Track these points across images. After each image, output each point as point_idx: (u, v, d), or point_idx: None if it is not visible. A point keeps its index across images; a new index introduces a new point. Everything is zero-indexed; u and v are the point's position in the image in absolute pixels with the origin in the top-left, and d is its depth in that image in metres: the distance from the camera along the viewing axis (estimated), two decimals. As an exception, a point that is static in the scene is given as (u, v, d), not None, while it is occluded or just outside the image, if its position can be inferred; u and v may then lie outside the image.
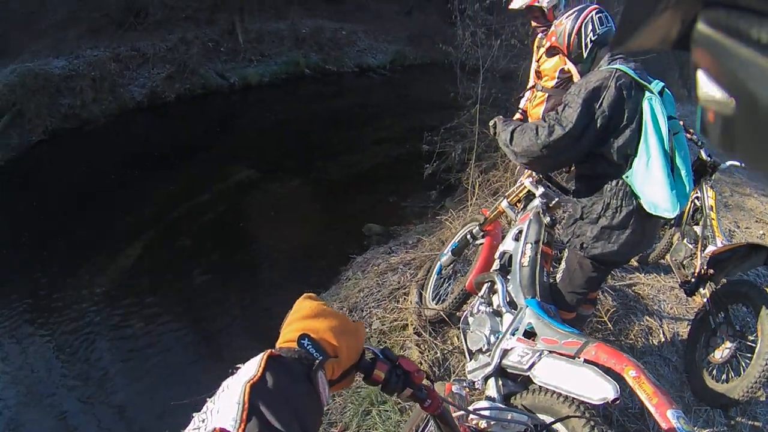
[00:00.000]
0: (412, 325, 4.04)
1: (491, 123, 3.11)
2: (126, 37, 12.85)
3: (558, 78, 4.46)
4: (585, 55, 2.77)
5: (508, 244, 3.18)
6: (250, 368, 0.82)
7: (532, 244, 2.96)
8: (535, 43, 4.72)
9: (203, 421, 0.77)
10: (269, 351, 0.88)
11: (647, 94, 2.57)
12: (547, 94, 4.59)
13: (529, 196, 3.37)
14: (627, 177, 2.61)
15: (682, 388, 3.78)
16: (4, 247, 6.96)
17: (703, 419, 3.54)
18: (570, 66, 2.91)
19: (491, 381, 2.56)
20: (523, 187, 3.39)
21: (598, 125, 2.53)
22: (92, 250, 6.75)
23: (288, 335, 0.98)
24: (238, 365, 0.86)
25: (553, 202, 3.10)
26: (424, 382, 1.31)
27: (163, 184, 8.46)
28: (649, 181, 2.56)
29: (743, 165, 4.52)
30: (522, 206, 3.46)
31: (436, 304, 4.07)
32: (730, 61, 0.37)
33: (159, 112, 11.99)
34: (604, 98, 2.50)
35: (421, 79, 14.83)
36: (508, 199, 3.52)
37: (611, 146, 2.59)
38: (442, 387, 2.54)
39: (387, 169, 9.20)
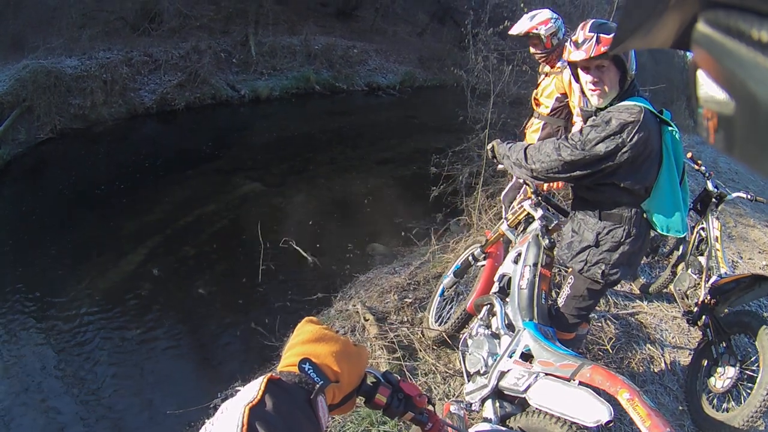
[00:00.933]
0: (414, 345, 4.03)
1: (489, 147, 3.14)
2: (139, 41, 12.99)
3: (553, 105, 4.52)
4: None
5: (507, 267, 3.19)
6: (250, 391, 0.82)
7: (530, 266, 2.97)
8: (540, 69, 4.77)
9: None
10: (269, 374, 0.88)
11: (667, 128, 2.62)
12: (543, 122, 4.65)
13: (529, 219, 3.41)
14: (644, 204, 2.68)
15: (682, 417, 3.78)
16: (6, 244, 6.95)
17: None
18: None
19: (488, 403, 2.56)
20: (522, 209, 3.43)
21: (624, 158, 2.53)
22: (94, 253, 6.73)
23: (289, 359, 0.98)
24: (237, 387, 0.86)
25: (553, 224, 3.13)
26: (427, 406, 1.31)
27: (168, 191, 8.45)
28: (667, 208, 2.65)
29: (749, 196, 4.53)
30: (522, 228, 3.49)
31: (438, 325, 4.07)
32: (730, 61, 0.37)
33: (167, 118, 12.07)
34: (635, 133, 2.50)
35: (430, 101, 14.91)
36: (508, 222, 3.56)
37: (636, 181, 2.62)
38: (441, 407, 2.53)
39: (393, 189, 9.20)
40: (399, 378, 1.28)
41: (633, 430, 3.36)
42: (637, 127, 2.49)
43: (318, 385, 0.92)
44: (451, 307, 4.20)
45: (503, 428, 2.25)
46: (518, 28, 4.43)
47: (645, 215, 2.71)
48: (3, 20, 11.77)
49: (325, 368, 0.98)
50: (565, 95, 4.44)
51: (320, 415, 0.90)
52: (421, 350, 3.97)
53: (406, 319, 4.45)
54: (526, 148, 2.82)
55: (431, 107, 14.04)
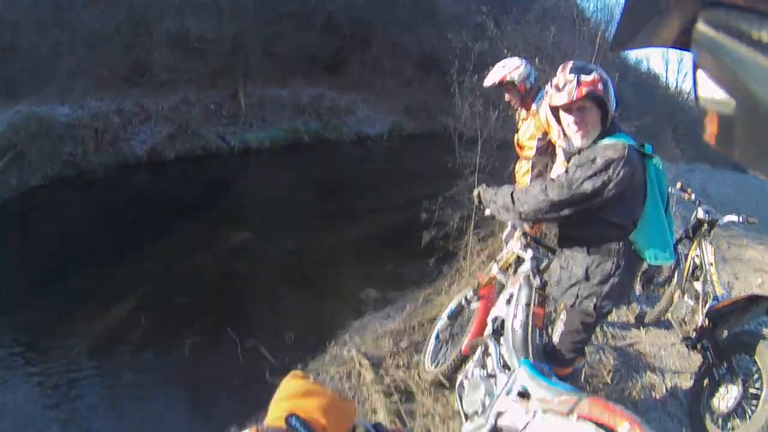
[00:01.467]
0: (411, 389, 3.99)
1: (474, 194, 3.16)
2: (131, 92, 13.13)
3: (536, 146, 4.60)
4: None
5: (499, 309, 3.19)
6: None
7: (523, 306, 2.97)
8: (517, 116, 4.87)
9: None
10: (254, 428, 0.88)
11: (650, 161, 2.68)
12: (531, 162, 4.73)
13: (519, 261, 3.41)
14: (631, 236, 2.70)
15: (687, 441, 3.74)
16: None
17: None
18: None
19: None
20: (512, 252, 3.45)
21: (611, 195, 2.56)
22: (84, 301, 6.64)
23: (275, 413, 0.98)
24: None
25: (543, 264, 3.14)
26: None
27: (158, 241, 8.42)
28: (654, 237, 2.69)
29: (741, 220, 4.57)
30: (513, 270, 3.50)
31: (434, 368, 4.04)
32: (730, 61, 0.38)
33: (158, 169, 12.09)
34: (620, 170, 2.52)
35: (418, 149, 15.05)
36: (499, 265, 3.58)
37: (623, 216, 2.66)
38: None
39: (384, 236, 9.23)
40: (390, 429, 1.26)
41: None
42: (621, 163, 2.52)
43: None
44: (447, 350, 4.18)
45: None
46: (491, 79, 4.56)
47: (633, 246, 2.72)
48: (-3, 66, 11.87)
49: (312, 422, 0.97)
50: (545, 133, 4.51)
51: None
52: (418, 393, 3.93)
53: (402, 363, 4.40)
54: (512, 192, 2.84)
55: (420, 155, 14.15)
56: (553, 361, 2.86)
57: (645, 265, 2.93)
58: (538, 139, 4.58)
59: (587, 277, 2.80)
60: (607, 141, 2.66)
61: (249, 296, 6.81)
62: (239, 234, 8.89)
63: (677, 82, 25.65)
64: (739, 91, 0.38)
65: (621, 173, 2.52)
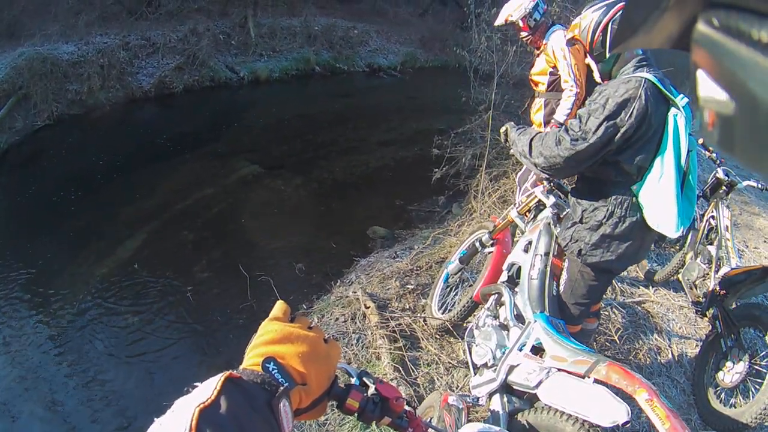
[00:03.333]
0: (417, 334, 3.93)
1: (502, 130, 3.05)
2: (137, 25, 12.84)
3: (547, 81, 4.64)
4: (608, 54, 2.64)
5: (516, 256, 3.10)
6: (205, 390, 0.73)
7: (541, 256, 2.89)
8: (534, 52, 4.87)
9: None
10: (228, 372, 0.79)
11: (673, 108, 2.49)
12: (543, 100, 4.72)
13: (539, 206, 3.31)
14: (635, 188, 2.56)
15: (689, 411, 3.72)
16: (3, 232, 6.87)
17: (709, 444, 3.44)
18: (590, 62, 2.77)
19: (496, 397, 2.48)
20: (533, 196, 3.33)
21: (624, 136, 2.43)
22: (92, 239, 6.64)
23: (252, 359, 0.90)
24: (195, 383, 0.75)
25: (564, 212, 3.01)
26: (406, 407, 1.22)
27: (166, 175, 8.37)
28: (658, 197, 2.51)
29: (760, 185, 4.42)
30: (532, 216, 3.38)
31: (442, 314, 3.98)
32: (730, 61, 0.37)
33: (166, 102, 11.97)
34: (633, 110, 2.39)
35: (432, 82, 14.75)
36: (518, 209, 3.45)
37: (628, 157, 2.51)
38: (439, 397, 2.44)
39: (394, 171, 9.11)
40: (377, 378, 1.18)
41: (645, 430, 3.30)
42: (636, 104, 2.39)
43: (282, 388, 0.83)
44: (456, 295, 4.12)
45: (495, 428, 2.15)
46: (498, 20, 4.72)
47: (635, 200, 2.59)
48: (-1, 8, 11.63)
49: (290, 369, 0.89)
50: (555, 68, 4.52)
51: (283, 421, 0.81)
52: (423, 339, 3.88)
53: (408, 307, 4.36)
54: (531, 139, 2.73)
55: (433, 88, 13.89)
56: (561, 315, 2.78)
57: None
58: (549, 73, 4.59)
59: (582, 220, 2.73)
60: (624, 77, 2.51)
61: (256, 232, 6.77)
62: (248, 167, 8.80)
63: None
64: (739, 92, 0.36)
65: (634, 113, 2.39)
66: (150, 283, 5.84)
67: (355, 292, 4.63)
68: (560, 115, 4.44)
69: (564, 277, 2.92)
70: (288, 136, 10.43)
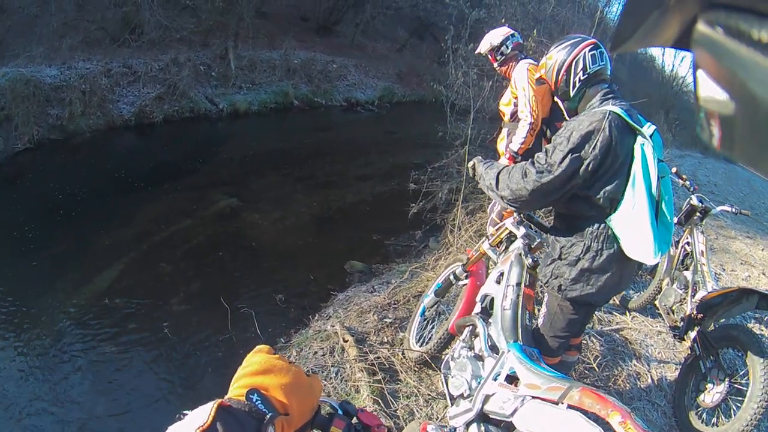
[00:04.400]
0: (395, 367, 3.99)
1: (470, 164, 3.08)
2: (119, 52, 12.89)
3: (512, 109, 4.80)
4: (572, 93, 2.72)
5: (489, 287, 3.14)
6: (200, 416, 0.80)
7: (513, 286, 2.91)
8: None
9: None
10: (219, 400, 0.86)
11: (639, 138, 2.54)
12: (507, 129, 4.91)
13: (511, 238, 3.34)
14: (609, 220, 2.58)
15: (671, 433, 3.78)
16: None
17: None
18: (558, 100, 2.88)
19: (473, 427, 2.50)
20: (504, 228, 3.38)
21: (589, 169, 2.48)
22: (69, 268, 6.58)
23: (236, 390, 0.96)
24: (185, 411, 0.84)
25: (535, 243, 3.06)
26: None
27: (144, 205, 8.34)
28: (633, 226, 2.53)
29: (734, 210, 4.56)
30: (504, 248, 3.42)
31: (419, 347, 4.02)
32: (730, 61, 0.38)
33: (146, 132, 11.97)
34: (597, 142, 2.45)
35: (409, 117, 14.96)
36: (490, 241, 3.49)
37: (598, 190, 2.55)
38: (418, 426, 2.48)
39: (371, 205, 9.20)
40: (358, 408, 1.26)
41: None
42: (600, 136, 2.45)
43: (268, 416, 0.90)
44: (433, 327, 4.16)
45: None
46: (481, 48, 4.88)
47: (610, 232, 2.61)
48: (-18, 27, 11.60)
49: (273, 401, 0.96)
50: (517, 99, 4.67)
51: None
52: (402, 372, 3.93)
53: (386, 340, 4.41)
54: (499, 172, 2.77)
55: (410, 123, 14.08)
56: (540, 347, 2.84)
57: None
58: (513, 104, 4.76)
59: (560, 257, 2.77)
60: (590, 112, 2.59)
61: (233, 265, 6.78)
62: (226, 200, 8.82)
63: (673, 65, 25.24)
64: (739, 92, 0.38)
65: (598, 145, 2.45)
66: (128, 314, 5.79)
67: (333, 326, 4.68)
68: (515, 144, 4.57)
69: (543, 310, 2.95)
70: (266, 170, 10.49)
